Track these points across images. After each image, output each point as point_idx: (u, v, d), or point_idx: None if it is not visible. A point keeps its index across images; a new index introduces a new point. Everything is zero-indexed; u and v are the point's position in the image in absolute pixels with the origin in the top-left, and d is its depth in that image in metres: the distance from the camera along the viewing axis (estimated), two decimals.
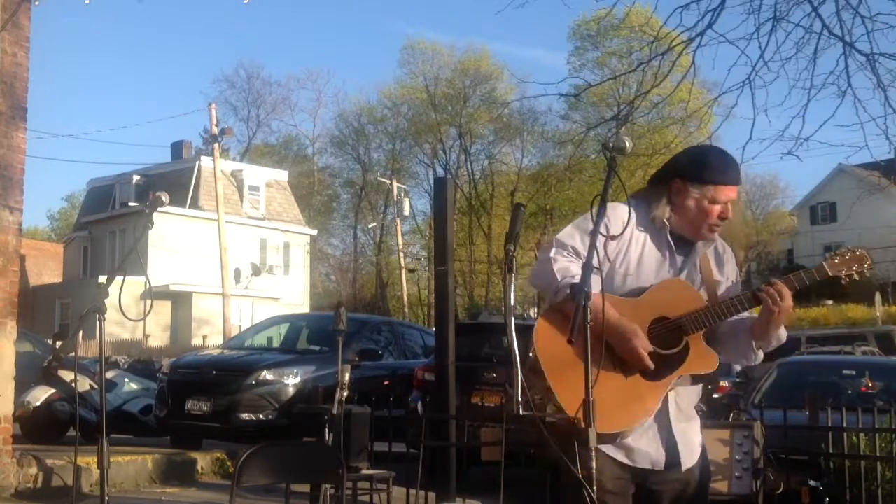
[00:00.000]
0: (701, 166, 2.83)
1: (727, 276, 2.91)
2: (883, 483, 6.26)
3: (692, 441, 2.86)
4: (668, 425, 2.78)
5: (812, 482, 6.43)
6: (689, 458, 2.83)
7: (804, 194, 49.13)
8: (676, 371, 2.67)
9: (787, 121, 7.03)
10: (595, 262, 2.53)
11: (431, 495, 6.78)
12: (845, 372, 9.30)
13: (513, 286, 2.48)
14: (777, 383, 8.95)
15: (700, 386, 2.91)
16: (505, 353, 8.52)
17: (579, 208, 38.58)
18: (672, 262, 2.83)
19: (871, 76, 6.82)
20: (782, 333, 2.84)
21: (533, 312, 41.76)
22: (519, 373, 2.41)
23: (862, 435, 6.50)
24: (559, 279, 2.67)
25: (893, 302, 34.91)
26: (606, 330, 2.59)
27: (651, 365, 2.64)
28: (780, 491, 6.06)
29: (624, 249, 2.81)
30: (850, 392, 8.48)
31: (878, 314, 29.39)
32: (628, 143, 2.66)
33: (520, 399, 2.48)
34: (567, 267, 2.71)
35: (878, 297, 29.81)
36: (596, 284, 2.61)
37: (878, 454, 6.34)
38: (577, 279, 2.61)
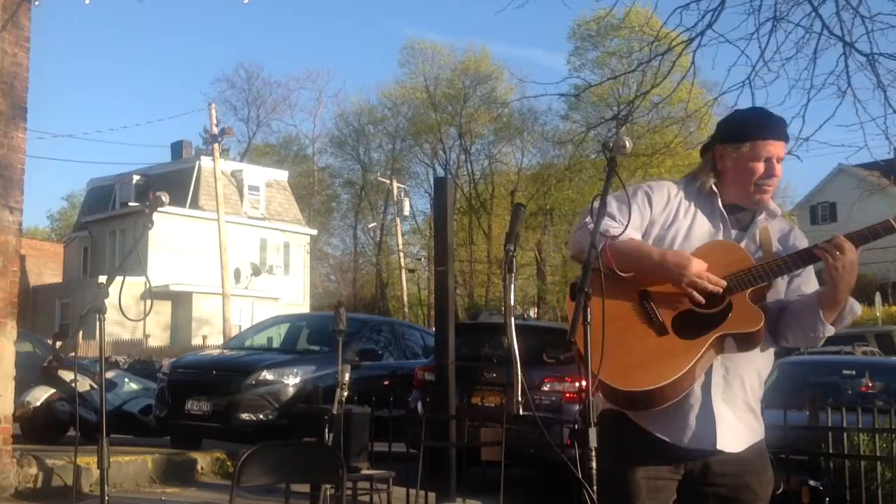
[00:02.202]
0: (735, 125, 2.76)
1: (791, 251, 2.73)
2: (883, 483, 6.26)
3: (736, 426, 2.65)
4: (710, 400, 2.62)
5: (812, 482, 6.44)
6: (728, 441, 2.63)
7: (804, 194, 49.16)
8: (717, 328, 2.54)
9: (787, 121, 7.02)
10: (592, 262, 2.49)
11: (431, 495, 6.78)
12: (845, 372, 9.31)
13: (513, 286, 2.47)
14: (777, 383, 8.94)
15: (759, 370, 2.72)
16: (505, 353, 8.53)
17: (579, 208, 38.54)
18: (726, 233, 2.74)
19: (871, 76, 6.83)
20: (855, 307, 2.67)
21: (533, 312, 41.80)
22: (519, 373, 2.40)
23: (862, 435, 6.50)
24: (590, 237, 2.62)
25: (893, 302, 34.92)
26: (653, 271, 2.52)
27: (722, 282, 2.52)
28: (780, 491, 6.06)
29: (671, 217, 2.75)
30: (850, 392, 8.48)
31: (878, 314, 29.41)
32: (628, 143, 2.64)
33: (520, 399, 2.46)
34: (602, 226, 2.64)
35: (878, 297, 29.84)
36: (636, 234, 2.62)
37: (878, 454, 6.34)
38: (607, 234, 2.58)
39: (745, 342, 2.61)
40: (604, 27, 39.97)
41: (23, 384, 9.04)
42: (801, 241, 2.81)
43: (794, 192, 54.26)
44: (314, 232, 43.33)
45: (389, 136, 52.38)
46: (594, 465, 2.37)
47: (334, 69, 78.61)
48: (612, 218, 2.69)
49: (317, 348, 10.75)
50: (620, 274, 2.58)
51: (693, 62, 7.49)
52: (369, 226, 53.56)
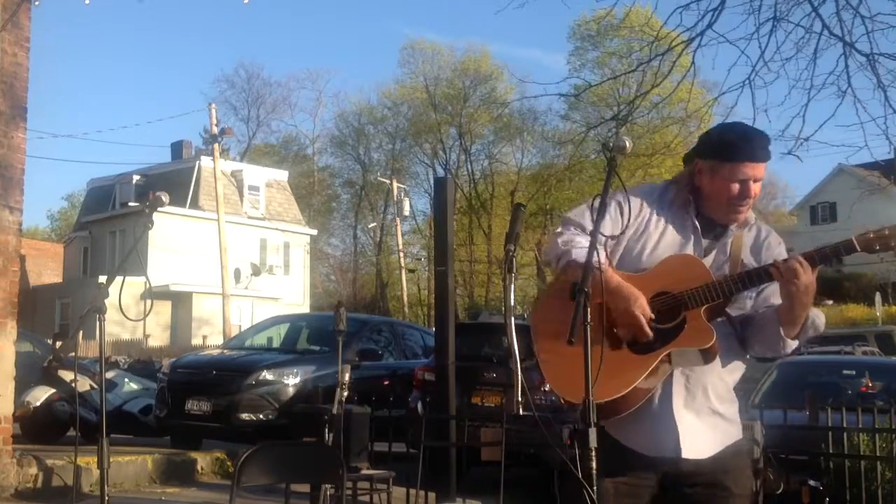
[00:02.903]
0: (715, 143, 2.73)
1: (764, 262, 2.71)
2: (883, 483, 6.26)
3: (702, 432, 2.69)
4: (671, 409, 2.67)
5: (812, 482, 6.43)
6: (693, 448, 2.66)
7: (804, 194, 49.17)
8: (669, 344, 2.57)
9: (787, 121, 7.02)
10: (601, 259, 2.51)
11: (431, 495, 6.78)
12: (845, 372, 9.31)
13: (513, 286, 2.47)
14: (777, 383, 8.95)
15: (722, 376, 2.74)
16: (505, 353, 8.53)
17: None
18: (697, 245, 2.74)
19: (871, 76, 6.82)
20: (818, 321, 2.66)
21: None
22: (519, 373, 2.40)
23: (862, 435, 6.50)
24: (560, 248, 2.68)
25: (893, 302, 34.91)
26: (607, 294, 2.56)
27: (650, 333, 2.55)
28: (780, 491, 6.06)
29: (642, 227, 2.77)
30: (850, 392, 8.48)
31: (878, 314, 29.43)
32: (628, 143, 2.65)
33: (520, 399, 2.47)
34: (571, 238, 2.70)
35: (878, 297, 29.87)
36: (600, 254, 2.62)
37: (878, 454, 6.34)
38: (577, 248, 2.63)
39: (701, 356, 2.63)
40: (604, 27, 39.97)
41: (23, 384, 9.04)
42: (776, 248, 2.79)
43: (794, 192, 54.39)
44: (314, 232, 43.33)
45: (389, 136, 52.44)
46: (594, 465, 2.39)
47: (334, 69, 78.72)
48: (584, 230, 2.70)
49: (317, 348, 10.75)
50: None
51: (693, 62, 7.49)
52: (369, 226, 53.58)
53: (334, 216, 56.23)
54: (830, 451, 6.44)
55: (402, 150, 52.63)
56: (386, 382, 10.12)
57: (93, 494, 7.05)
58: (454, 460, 6.99)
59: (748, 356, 2.81)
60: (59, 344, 13.36)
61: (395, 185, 44.24)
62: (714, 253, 2.76)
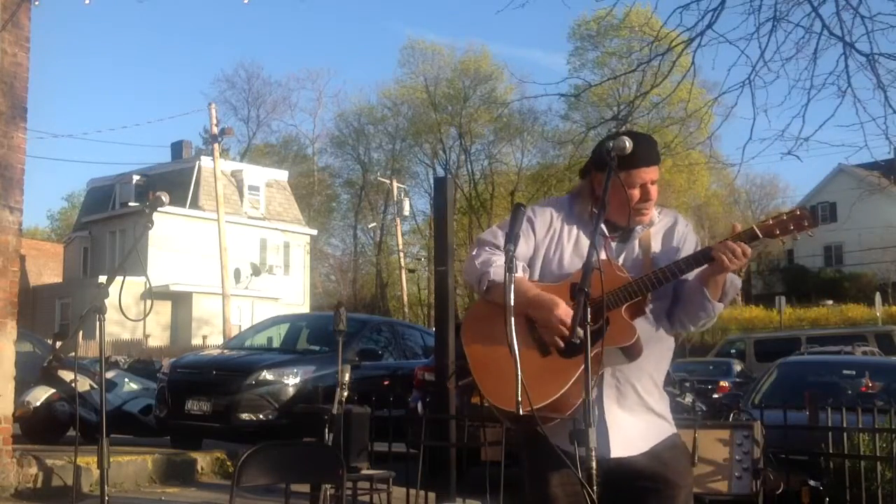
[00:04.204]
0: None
1: (677, 252, 2.85)
2: (883, 483, 6.26)
3: (636, 429, 2.80)
4: (602, 412, 2.75)
5: (812, 482, 6.43)
6: (623, 447, 2.77)
7: (804, 194, 49.14)
8: (594, 346, 2.61)
9: (787, 121, 7.02)
10: (594, 262, 2.55)
11: (431, 495, 6.78)
12: (845, 372, 9.31)
13: (512, 286, 2.48)
14: (777, 383, 8.96)
15: (650, 374, 2.85)
16: None
17: None
18: (608, 250, 2.85)
19: (871, 76, 6.83)
20: (735, 279, 2.82)
21: None
22: (519, 372, 2.41)
23: (862, 435, 6.50)
24: (479, 269, 2.79)
25: (893, 302, 34.93)
26: (527, 305, 2.69)
27: (579, 334, 2.58)
28: (780, 491, 6.06)
29: (556, 240, 2.87)
30: (850, 392, 8.47)
31: (878, 314, 29.44)
32: (628, 144, 2.68)
33: (520, 399, 2.47)
34: (487, 259, 2.81)
35: (878, 297, 29.88)
36: (517, 269, 2.74)
37: (878, 454, 6.33)
38: (494, 267, 2.75)
39: (626, 354, 2.72)
40: (604, 27, 40.04)
41: (23, 384, 9.04)
42: (681, 235, 2.91)
43: (794, 192, 54.34)
44: (314, 232, 43.33)
45: (389, 136, 52.43)
46: (594, 465, 2.41)
47: (334, 69, 78.55)
48: (499, 248, 2.81)
49: (317, 348, 10.75)
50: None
51: (693, 62, 7.49)
52: (369, 226, 53.58)
53: (334, 216, 56.25)
54: (830, 451, 6.44)
55: (402, 150, 52.65)
56: (386, 382, 10.12)
57: (93, 494, 7.05)
58: (454, 460, 6.99)
59: (672, 351, 2.97)
60: (59, 344, 13.38)
61: (395, 185, 44.25)
62: (625, 255, 2.88)
